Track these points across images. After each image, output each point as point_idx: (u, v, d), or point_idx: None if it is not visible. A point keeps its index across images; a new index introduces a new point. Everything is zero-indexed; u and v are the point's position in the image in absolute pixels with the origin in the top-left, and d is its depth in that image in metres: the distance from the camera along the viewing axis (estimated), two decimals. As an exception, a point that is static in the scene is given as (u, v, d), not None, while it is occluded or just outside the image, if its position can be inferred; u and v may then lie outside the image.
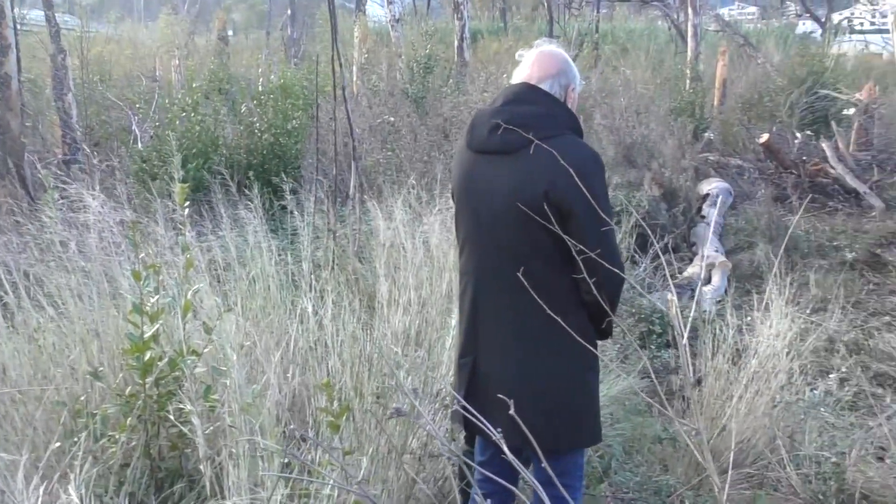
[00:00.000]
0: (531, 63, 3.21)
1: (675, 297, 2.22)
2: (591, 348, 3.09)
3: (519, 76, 3.22)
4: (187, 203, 3.79)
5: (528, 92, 3.14)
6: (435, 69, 14.11)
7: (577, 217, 2.94)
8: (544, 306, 2.82)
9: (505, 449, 2.13)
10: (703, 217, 10.09)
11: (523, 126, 3.02)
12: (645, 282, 7.47)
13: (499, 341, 3.14)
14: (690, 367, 1.96)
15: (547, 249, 2.98)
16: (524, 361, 3.10)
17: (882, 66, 20.43)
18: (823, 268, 8.71)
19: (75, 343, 3.93)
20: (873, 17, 35.71)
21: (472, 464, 2.10)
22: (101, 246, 4.63)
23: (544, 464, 2.36)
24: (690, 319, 6.43)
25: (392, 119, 11.47)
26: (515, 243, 3.03)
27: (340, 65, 5.85)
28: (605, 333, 3.24)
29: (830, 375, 5.41)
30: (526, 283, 2.97)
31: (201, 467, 3.12)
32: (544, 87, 3.15)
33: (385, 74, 14.82)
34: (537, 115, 3.07)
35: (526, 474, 2.33)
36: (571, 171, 2.92)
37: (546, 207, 2.92)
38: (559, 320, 2.88)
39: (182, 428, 3.32)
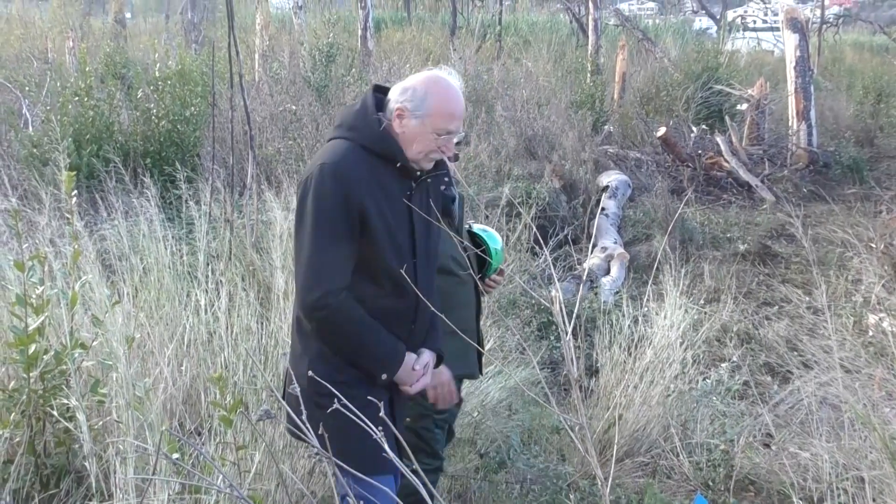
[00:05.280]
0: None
1: (559, 293, 2.19)
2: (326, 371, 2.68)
3: None
4: (75, 191, 3.65)
5: (368, 93, 2.99)
6: (338, 58, 13.98)
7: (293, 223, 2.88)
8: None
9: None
10: (603, 209, 10.24)
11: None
12: (545, 272, 7.53)
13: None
14: (574, 363, 1.96)
15: None
16: (291, 358, 3.02)
17: (773, 63, 21.04)
18: (717, 259, 8.96)
19: (-45, 336, 3.77)
20: (765, 15, 36.81)
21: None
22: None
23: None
24: (585, 310, 6.58)
25: (294, 107, 11.32)
26: None
27: (237, 51, 5.73)
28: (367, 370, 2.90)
29: (722, 364, 5.53)
30: None
31: (87, 464, 3.02)
32: (391, 94, 2.94)
33: (287, 62, 14.62)
34: (342, 115, 3.03)
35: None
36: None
37: None
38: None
39: (66, 423, 3.21)
